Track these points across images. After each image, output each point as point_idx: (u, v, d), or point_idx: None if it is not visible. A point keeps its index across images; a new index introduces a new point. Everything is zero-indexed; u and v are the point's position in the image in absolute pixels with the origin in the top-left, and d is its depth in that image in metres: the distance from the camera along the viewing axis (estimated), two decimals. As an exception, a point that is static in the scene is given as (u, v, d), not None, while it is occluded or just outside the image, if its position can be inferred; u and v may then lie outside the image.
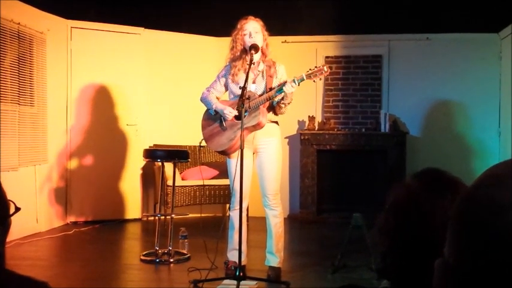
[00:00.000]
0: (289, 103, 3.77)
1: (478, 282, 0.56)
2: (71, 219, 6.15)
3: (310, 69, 3.73)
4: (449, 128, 6.64)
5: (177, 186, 5.40)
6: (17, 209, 1.25)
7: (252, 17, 3.84)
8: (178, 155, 4.72)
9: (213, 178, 6.19)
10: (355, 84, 6.80)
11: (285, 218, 4.10)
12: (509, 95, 6.12)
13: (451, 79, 6.62)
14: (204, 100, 3.97)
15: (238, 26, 3.82)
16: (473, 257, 0.57)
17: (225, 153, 3.89)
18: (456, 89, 6.60)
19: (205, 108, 4.00)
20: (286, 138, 6.69)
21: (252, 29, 3.78)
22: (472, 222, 0.58)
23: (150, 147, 6.21)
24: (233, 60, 3.88)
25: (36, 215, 5.57)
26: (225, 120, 3.83)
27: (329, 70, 3.81)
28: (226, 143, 3.81)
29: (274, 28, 4.09)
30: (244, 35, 3.78)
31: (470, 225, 0.58)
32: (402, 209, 0.96)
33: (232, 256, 3.87)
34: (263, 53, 3.85)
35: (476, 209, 0.58)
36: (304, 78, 3.69)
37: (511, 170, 0.59)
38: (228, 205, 4.45)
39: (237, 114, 3.71)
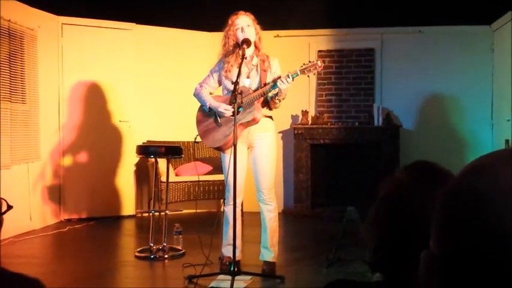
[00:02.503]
0: (283, 98, 3.77)
1: (462, 272, 0.56)
2: (65, 216, 6.13)
3: (304, 64, 3.74)
4: (442, 121, 6.66)
5: (170, 182, 5.40)
6: (9, 207, 1.25)
7: (243, 12, 3.83)
8: (171, 151, 4.71)
9: (207, 174, 6.19)
10: (348, 78, 6.80)
11: (279, 213, 4.10)
12: (501, 87, 6.14)
13: (444, 72, 6.63)
14: (197, 96, 3.97)
15: (230, 22, 3.81)
16: (456, 248, 0.57)
17: (220, 149, 3.89)
18: (449, 81, 6.62)
19: (199, 103, 3.99)
20: (279, 133, 6.69)
21: (244, 23, 3.77)
22: (454, 212, 0.58)
23: (143, 143, 6.19)
24: (226, 56, 3.87)
25: (29, 213, 5.55)
26: (219, 116, 3.83)
27: (323, 64, 3.82)
28: (221, 139, 3.81)
29: (266, 22, 4.08)
30: (237, 29, 3.77)
31: (452, 215, 0.59)
32: (393, 202, 0.96)
33: (227, 251, 3.87)
34: (256, 47, 3.84)
35: (458, 198, 0.59)
36: (299, 73, 3.69)
37: (493, 160, 0.60)
38: (222, 200, 4.44)
39: (233, 110, 3.70)
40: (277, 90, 3.68)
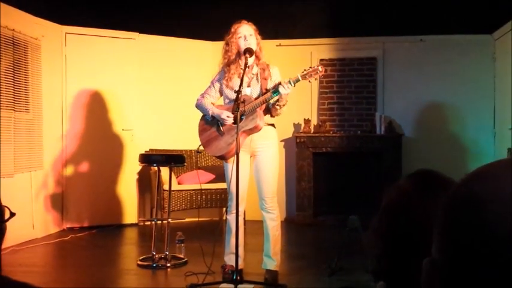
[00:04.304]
0: (284, 105, 3.78)
1: (464, 278, 0.57)
2: (67, 225, 6.14)
3: (305, 70, 3.75)
4: (445, 129, 6.66)
5: (173, 191, 5.40)
6: (12, 215, 1.25)
7: (245, 21, 3.86)
8: (174, 160, 4.72)
9: (209, 182, 6.19)
10: (350, 87, 6.82)
11: (281, 221, 4.10)
12: (503, 95, 6.15)
13: (446, 80, 6.64)
14: (199, 106, 3.98)
15: (232, 30, 3.84)
16: (458, 254, 0.58)
17: (223, 157, 3.89)
18: (451, 90, 6.63)
19: (201, 113, 4.01)
20: (282, 141, 6.70)
21: (246, 32, 3.80)
22: (456, 219, 0.59)
23: (146, 151, 6.20)
24: (227, 64, 3.89)
25: (32, 221, 5.56)
26: (222, 124, 3.84)
27: (324, 70, 3.83)
28: (224, 147, 3.82)
29: (268, 32, 4.11)
30: (239, 38, 3.79)
31: (454, 222, 0.59)
32: (395, 211, 0.97)
33: (229, 260, 3.87)
34: (257, 57, 3.86)
35: (460, 205, 0.60)
36: (300, 79, 3.70)
37: (494, 168, 0.61)
38: (224, 209, 4.44)
39: (234, 118, 3.71)
40: (278, 96, 3.69)
